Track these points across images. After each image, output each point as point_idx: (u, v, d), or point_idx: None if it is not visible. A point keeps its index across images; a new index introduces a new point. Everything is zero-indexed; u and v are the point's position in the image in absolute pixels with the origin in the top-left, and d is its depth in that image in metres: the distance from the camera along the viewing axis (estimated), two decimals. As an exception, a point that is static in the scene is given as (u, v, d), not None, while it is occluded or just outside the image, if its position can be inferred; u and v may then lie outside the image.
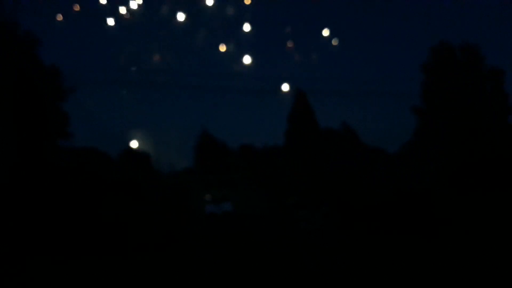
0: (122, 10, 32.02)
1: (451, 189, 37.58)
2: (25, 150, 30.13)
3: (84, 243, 23.70)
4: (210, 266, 18.28)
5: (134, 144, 28.78)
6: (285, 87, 20.74)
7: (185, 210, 38.76)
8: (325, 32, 22.12)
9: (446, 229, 26.12)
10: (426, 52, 49.05)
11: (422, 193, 35.20)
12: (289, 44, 45.37)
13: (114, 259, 21.25)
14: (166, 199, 38.49)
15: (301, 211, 37.63)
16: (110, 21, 34.88)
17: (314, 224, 34.70)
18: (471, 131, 44.50)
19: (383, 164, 42.70)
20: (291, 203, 39.22)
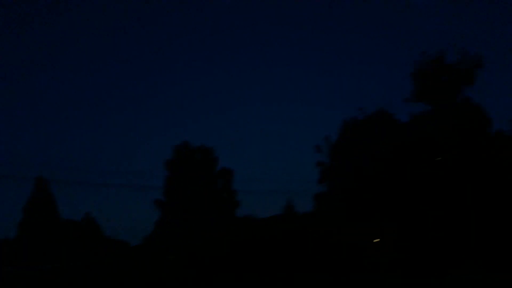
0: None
1: (187, 275, 40.12)
2: None
3: None
4: None
5: None
6: None
7: None
8: None
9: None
10: (170, 150, 53.90)
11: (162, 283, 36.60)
12: None
13: None
14: None
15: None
16: None
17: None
18: (204, 223, 49.50)
19: (126, 256, 43.10)
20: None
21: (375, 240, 31.22)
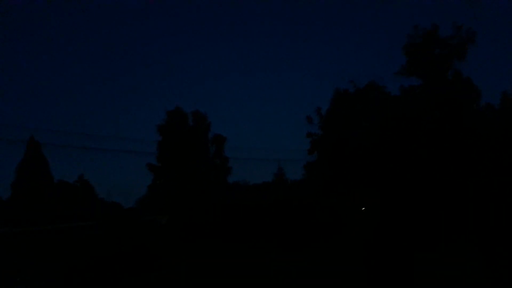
0: None
1: (178, 241, 41.15)
2: None
3: None
4: None
5: None
6: None
7: None
8: None
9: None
10: (163, 114, 53.91)
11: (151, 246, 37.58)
12: None
13: None
14: None
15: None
16: None
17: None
18: (196, 188, 50.29)
19: (119, 218, 43.94)
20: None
21: (360, 209, 32.22)
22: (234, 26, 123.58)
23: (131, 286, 19.30)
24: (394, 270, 14.95)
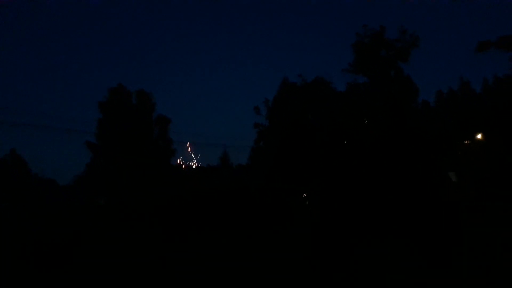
0: None
1: (116, 223, 40.22)
2: None
3: None
4: None
5: None
6: None
7: None
8: None
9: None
10: (105, 91, 52.13)
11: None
12: None
13: None
14: None
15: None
16: None
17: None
18: (137, 168, 49.27)
19: (54, 195, 42.38)
20: None
21: (303, 199, 33.14)
22: (188, 10, 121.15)
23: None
24: (333, 258, 15.57)
